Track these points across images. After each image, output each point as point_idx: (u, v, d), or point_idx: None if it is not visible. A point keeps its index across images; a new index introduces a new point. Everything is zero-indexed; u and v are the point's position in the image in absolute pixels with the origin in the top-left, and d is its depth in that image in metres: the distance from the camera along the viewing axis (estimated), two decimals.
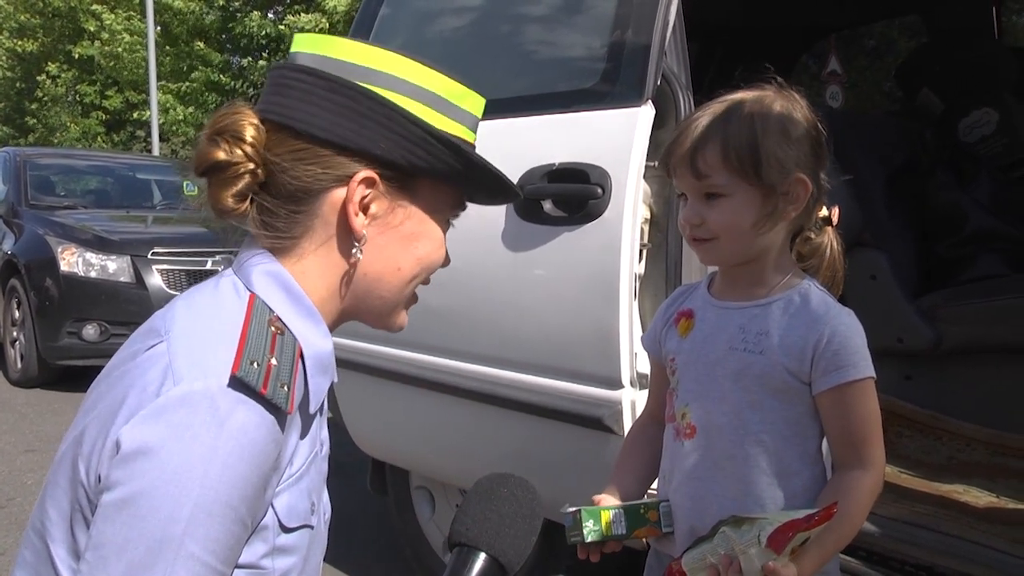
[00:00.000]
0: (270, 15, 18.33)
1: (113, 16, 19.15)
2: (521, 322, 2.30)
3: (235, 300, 1.05)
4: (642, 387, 2.08)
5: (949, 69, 3.89)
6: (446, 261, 1.22)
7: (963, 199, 3.39)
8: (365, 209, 1.10)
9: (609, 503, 1.48)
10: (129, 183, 8.71)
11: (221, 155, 1.06)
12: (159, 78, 17.45)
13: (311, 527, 1.12)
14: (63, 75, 20.86)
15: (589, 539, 1.40)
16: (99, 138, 21.35)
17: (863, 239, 3.03)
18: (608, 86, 2.24)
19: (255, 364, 0.97)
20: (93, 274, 6.36)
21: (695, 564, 1.29)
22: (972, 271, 3.17)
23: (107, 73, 20.26)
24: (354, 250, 1.10)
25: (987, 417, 2.80)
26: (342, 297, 1.14)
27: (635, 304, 2.11)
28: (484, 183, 1.18)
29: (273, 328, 1.03)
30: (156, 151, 16.71)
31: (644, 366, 2.04)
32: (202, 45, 18.51)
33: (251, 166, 1.07)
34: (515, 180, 2.25)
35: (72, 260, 6.35)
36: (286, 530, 1.06)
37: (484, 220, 2.33)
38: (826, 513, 1.20)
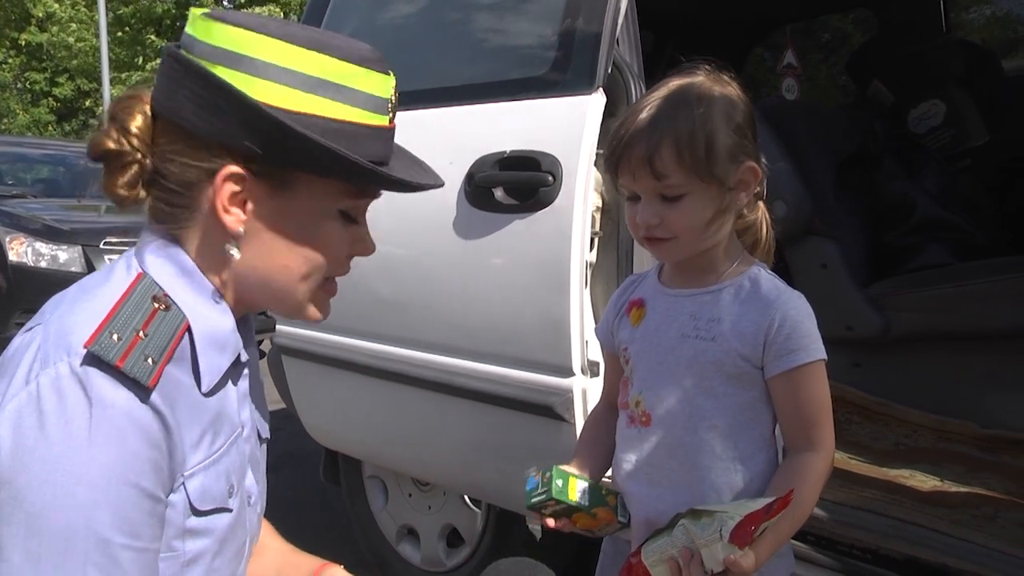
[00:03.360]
0: (225, 2, 18.11)
1: (58, 5, 18.79)
2: (472, 310, 2.29)
3: (122, 277, 1.05)
4: (593, 375, 2.09)
5: (899, 62, 3.95)
6: (368, 249, 1.19)
7: (912, 189, 3.43)
8: (243, 205, 1.07)
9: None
10: (81, 172, 8.54)
11: (110, 144, 1.05)
12: (111, 68, 17.19)
13: (228, 510, 1.10)
14: (10, 61, 20.46)
15: (555, 495, 1.39)
16: (49, 126, 20.99)
17: (814, 227, 3.06)
18: (559, 74, 2.23)
19: (115, 336, 0.95)
20: (43, 264, 6.24)
21: (654, 557, 1.29)
22: (919, 259, 3.21)
23: (57, 61, 19.92)
24: (228, 247, 1.08)
25: (932, 403, 2.83)
26: (233, 289, 1.12)
27: (586, 292, 2.11)
28: (362, 174, 1.09)
29: (156, 304, 1.02)
30: None
31: (595, 354, 2.04)
32: (154, 37, 18.26)
33: (137, 156, 1.05)
34: (466, 167, 2.25)
35: (21, 250, 6.23)
36: (197, 512, 1.05)
37: (434, 207, 2.32)
38: (784, 500, 1.22)
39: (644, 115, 1.34)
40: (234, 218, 1.06)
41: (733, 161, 1.34)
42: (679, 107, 1.33)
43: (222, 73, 1.01)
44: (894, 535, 1.99)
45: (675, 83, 1.38)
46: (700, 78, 1.38)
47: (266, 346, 3.29)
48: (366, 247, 1.18)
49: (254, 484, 1.22)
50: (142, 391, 0.95)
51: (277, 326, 2.91)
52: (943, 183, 3.56)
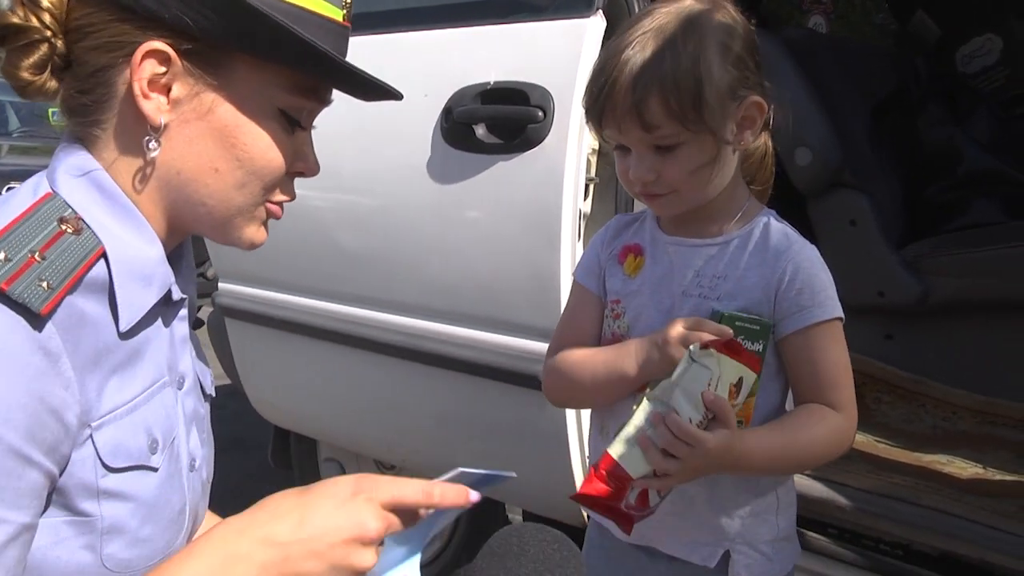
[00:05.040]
0: None
1: None
2: (448, 266, 2.31)
3: (26, 197, 1.03)
4: None
5: None
6: (311, 169, 1.19)
7: (958, 136, 3.46)
8: (166, 91, 1.05)
9: None
10: None
11: (14, 20, 1.03)
12: None
13: (151, 468, 1.09)
14: None
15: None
16: None
17: (843, 179, 3.07)
18: None
19: (2, 256, 0.94)
20: None
21: (620, 447, 1.32)
22: (964, 217, 3.24)
23: None
24: (147, 139, 1.07)
25: (975, 382, 2.87)
26: (156, 199, 1.11)
27: (579, 245, 2.13)
28: (308, 57, 1.08)
29: (63, 226, 1.01)
30: None
31: None
32: None
33: (47, 34, 1.04)
34: (443, 101, 2.26)
35: None
36: (110, 469, 1.03)
37: (405, 146, 2.33)
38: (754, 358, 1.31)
39: (627, 56, 1.34)
40: (154, 104, 1.05)
41: (734, 98, 1.35)
42: (666, 44, 1.33)
43: None
44: (927, 527, 2.04)
45: (660, 12, 1.38)
46: (688, 2, 1.38)
47: (204, 314, 3.30)
48: (308, 165, 1.18)
49: (198, 446, 1.22)
50: (33, 319, 0.94)
51: (220, 284, 2.91)
52: (995, 130, 3.59)
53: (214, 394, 1.30)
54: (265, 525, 1.01)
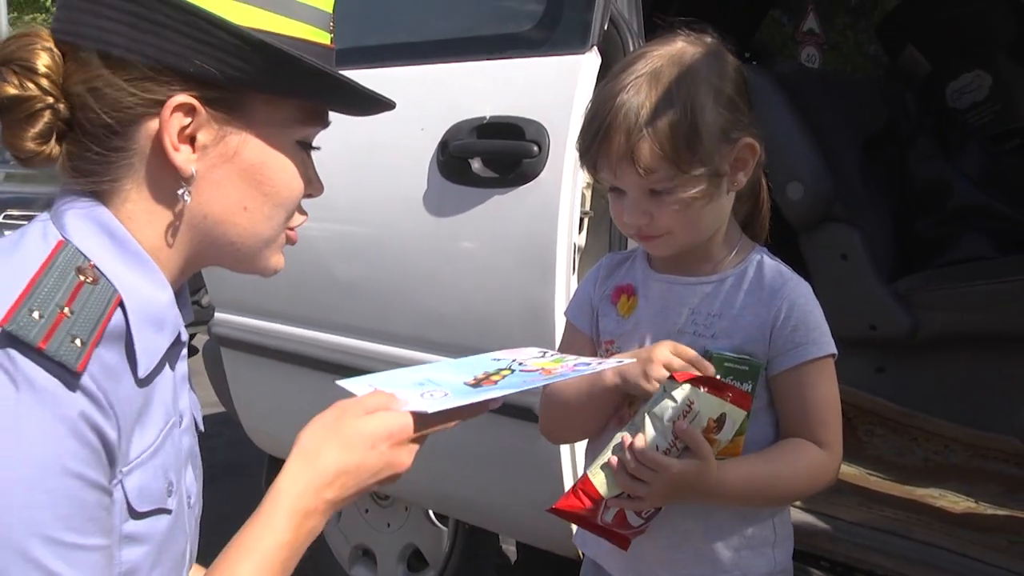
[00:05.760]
0: None
1: None
2: (444, 297, 2.32)
3: (38, 246, 1.01)
4: None
5: (938, 25, 3.99)
6: (318, 189, 1.20)
7: (948, 171, 3.49)
8: (191, 140, 1.06)
9: None
10: None
11: (11, 90, 1.01)
12: (9, 9, 17.03)
13: (168, 511, 1.10)
14: None
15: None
16: None
17: (834, 213, 3.10)
18: (547, 30, 2.26)
19: (36, 314, 0.93)
20: None
21: (598, 469, 1.37)
22: (955, 251, 3.27)
23: None
24: (181, 191, 1.06)
25: (967, 415, 2.88)
26: (181, 244, 1.11)
27: (573, 279, 2.13)
28: (330, 90, 1.12)
29: (81, 276, 0.99)
30: None
31: None
32: None
33: (49, 100, 1.03)
34: (439, 135, 2.27)
35: None
36: (136, 515, 1.04)
37: (402, 180, 2.34)
38: (741, 396, 1.33)
39: (621, 100, 1.35)
40: (184, 156, 1.05)
41: (727, 141, 1.37)
42: (660, 88, 1.35)
43: None
44: (920, 560, 2.05)
45: (652, 55, 1.39)
46: (679, 45, 1.40)
47: (199, 341, 3.30)
48: (316, 186, 1.20)
49: (193, 482, 1.22)
50: (70, 377, 0.94)
51: (216, 314, 2.92)
52: (985, 165, 3.62)
53: (204, 430, 1.30)
54: (313, 471, 1.10)
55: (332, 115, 1.19)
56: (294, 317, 2.65)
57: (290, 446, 1.12)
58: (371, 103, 1.18)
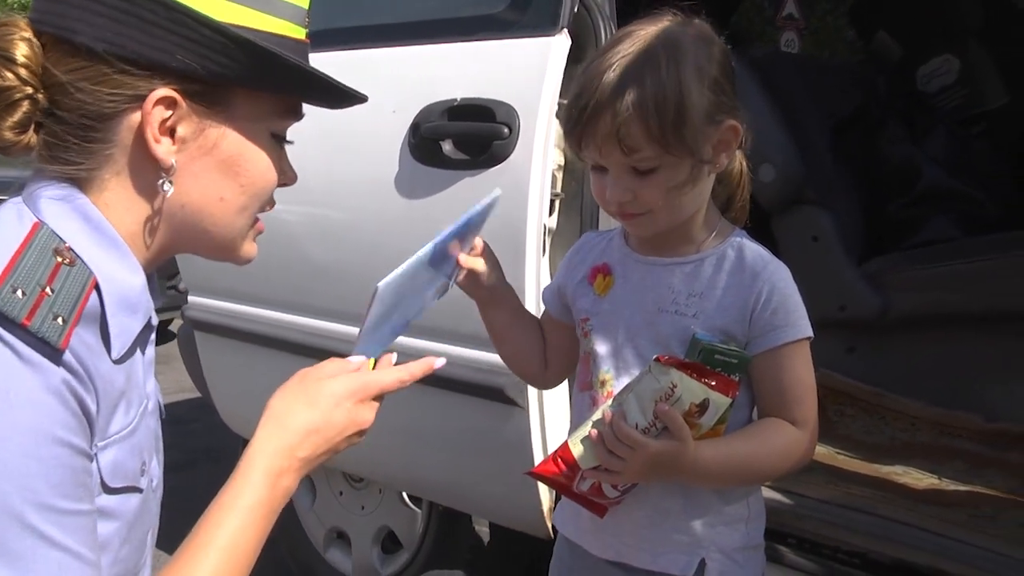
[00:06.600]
0: None
1: None
2: None
3: (15, 227, 1.03)
4: None
5: (908, 10, 4.01)
6: (291, 179, 1.23)
7: (916, 154, 3.52)
8: (171, 133, 1.08)
9: None
10: None
11: None
12: None
13: (139, 490, 1.13)
14: None
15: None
16: None
17: (805, 196, 3.13)
18: (518, 12, 2.26)
19: (19, 293, 0.95)
20: None
21: (579, 440, 1.40)
22: (923, 233, 3.30)
23: None
24: (161, 182, 1.09)
25: (934, 394, 2.93)
26: (157, 233, 1.14)
27: (544, 261, 2.15)
28: (307, 84, 1.16)
29: (59, 258, 1.01)
30: None
31: None
32: None
33: (28, 91, 1.04)
34: (411, 117, 2.28)
35: None
36: (108, 490, 1.06)
37: (374, 161, 2.36)
38: (727, 383, 1.34)
39: (607, 79, 1.36)
40: (165, 148, 1.07)
41: (711, 123, 1.37)
42: (645, 68, 1.35)
43: None
44: (882, 536, 2.08)
45: (639, 34, 1.40)
46: (667, 25, 1.40)
47: (177, 327, 3.30)
48: (289, 176, 1.23)
49: (156, 466, 1.23)
50: (53, 352, 0.96)
51: (190, 297, 2.92)
52: (953, 149, 3.65)
53: (165, 415, 1.32)
54: (284, 430, 1.17)
55: None
56: (268, 300, 2.66)
57: None
58: (345, 97, 1.22)
